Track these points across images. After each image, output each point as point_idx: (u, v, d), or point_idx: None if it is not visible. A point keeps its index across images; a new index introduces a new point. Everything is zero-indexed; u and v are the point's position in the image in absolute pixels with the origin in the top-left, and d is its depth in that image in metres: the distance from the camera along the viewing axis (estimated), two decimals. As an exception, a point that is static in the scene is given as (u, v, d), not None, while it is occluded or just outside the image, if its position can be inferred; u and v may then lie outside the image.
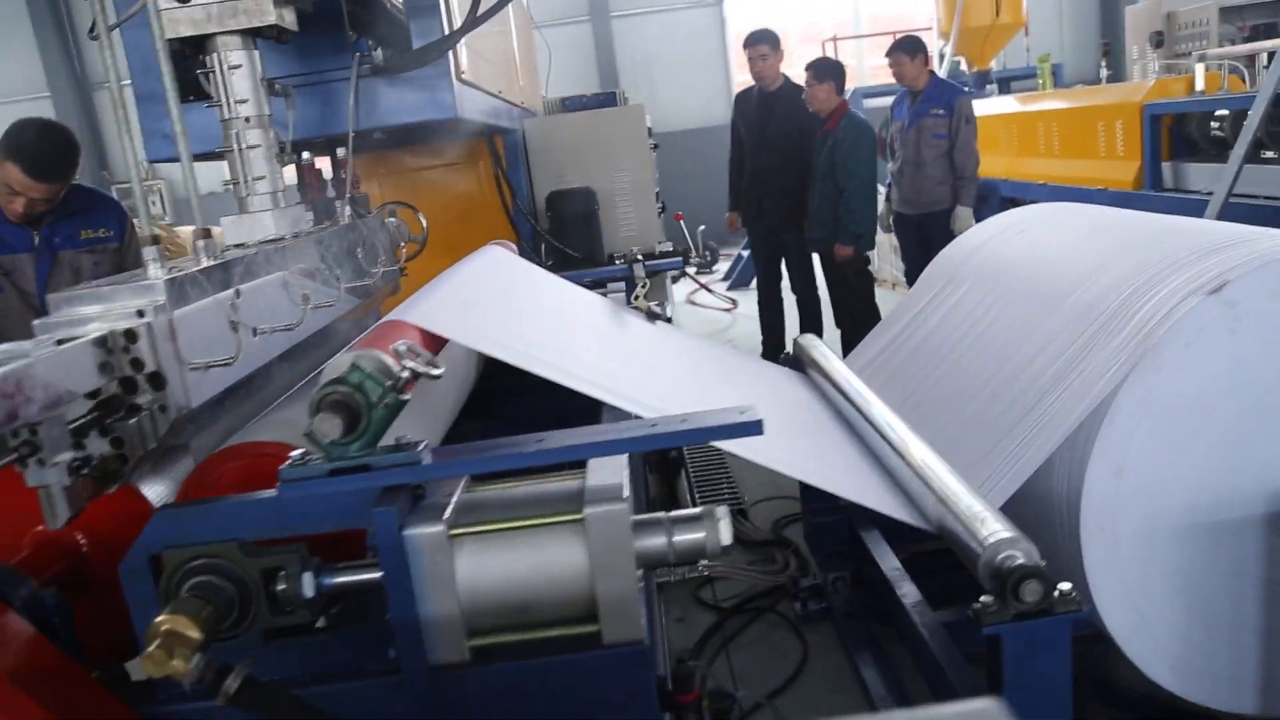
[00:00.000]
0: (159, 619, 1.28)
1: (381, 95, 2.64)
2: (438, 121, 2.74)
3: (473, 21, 2.54)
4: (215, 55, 2.05)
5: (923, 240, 5.49)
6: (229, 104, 2.09)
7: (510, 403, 2.74)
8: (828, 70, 5.36)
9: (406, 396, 1.37)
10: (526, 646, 1.36)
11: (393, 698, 1.35)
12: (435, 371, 1.38)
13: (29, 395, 1.22)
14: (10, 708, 1.32)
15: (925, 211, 5.61)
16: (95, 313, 1.50)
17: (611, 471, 1.38)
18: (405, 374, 1.34)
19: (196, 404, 1.59)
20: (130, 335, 1.44)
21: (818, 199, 5.35)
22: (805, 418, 2.32)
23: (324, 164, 3.01)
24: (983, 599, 1.54)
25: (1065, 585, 1.54)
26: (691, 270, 10.05)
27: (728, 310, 8.67)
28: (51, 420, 1.30)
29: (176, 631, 1.27)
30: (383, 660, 1.37)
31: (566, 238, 4.22)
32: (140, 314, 1.47)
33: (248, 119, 2.11)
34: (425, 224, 3.54)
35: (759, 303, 6.26)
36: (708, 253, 11.17)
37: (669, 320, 3.06)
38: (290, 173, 2.88)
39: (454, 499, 1.38)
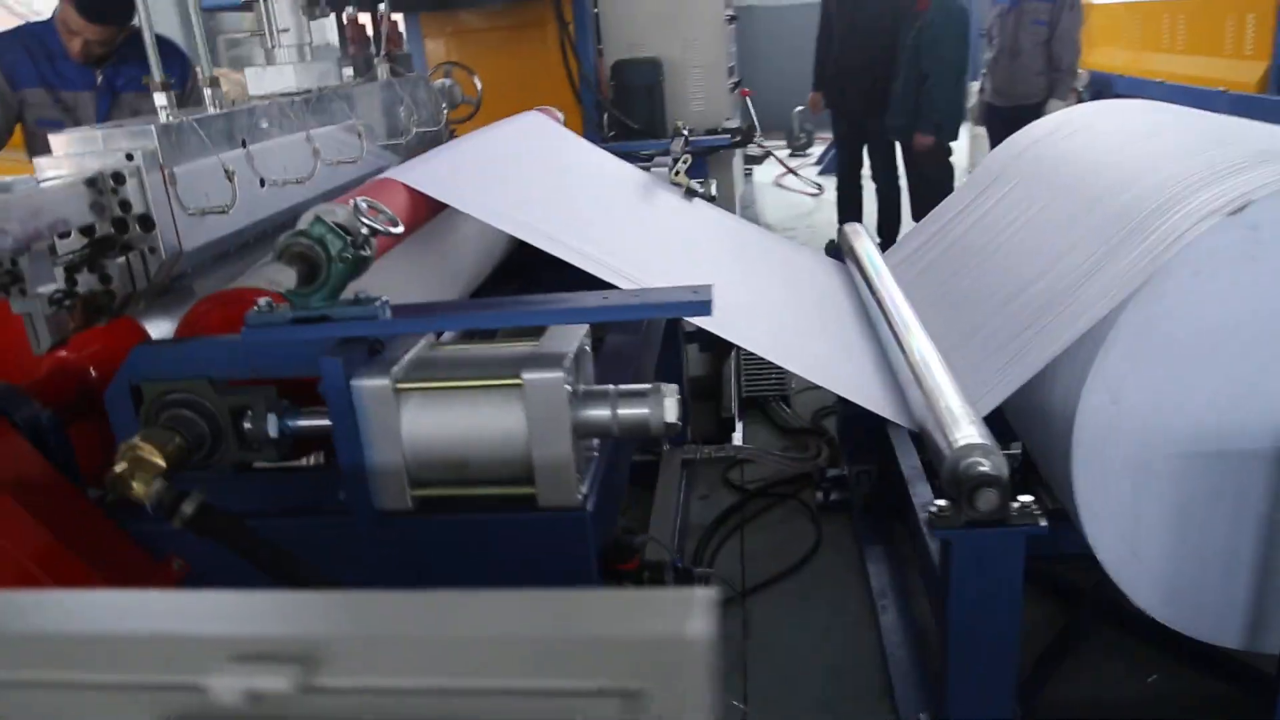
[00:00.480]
0: (126, 443, 1.37)
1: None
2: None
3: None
4: (240, -100, 2.03)
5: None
6: (254, -48, 2.09)
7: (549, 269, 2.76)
8: (924, -55, 5.02)
9: (367, 252, 1.39)
10: (469, 501, 1.41)
11: (343, 537, 1.43)
12: (395, 229, 1.39)
13: (3, 229, 1.29)
14: (5, 517, 1.44)
15: (1017, 104, 5.30)
16: (93, 153, 1.55)
17: (563, 340, 1.39)
18: (364, 230, 1.37)
19: (191, 248, 1.65)
20: (118, 177, 1.50)
21: (901, 85, 5.10)
22: (822, 307, 2.27)
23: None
24: (938, 502, 1.51)
25: (1026, 497, 1.50)
26: (784, 153, 9.80)
27: (813, 195, 8.44)
28: (34, 253, 1.37)
29: (141, 457, 1.36)
30: (336, 502, 1.44)
31: (629, 109, 4.15)
32: (129, 157, 1.52)
33: (273, -32, 2.11)
34: (480, 86, 3.52)
35: (837, 190, 6.08)
36: (803, 134, 10.84)
37: (713, 199, 3.00)
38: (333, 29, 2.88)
39: (408, 355, 1.42)
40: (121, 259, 1.52)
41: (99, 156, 1.53)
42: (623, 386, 1.41)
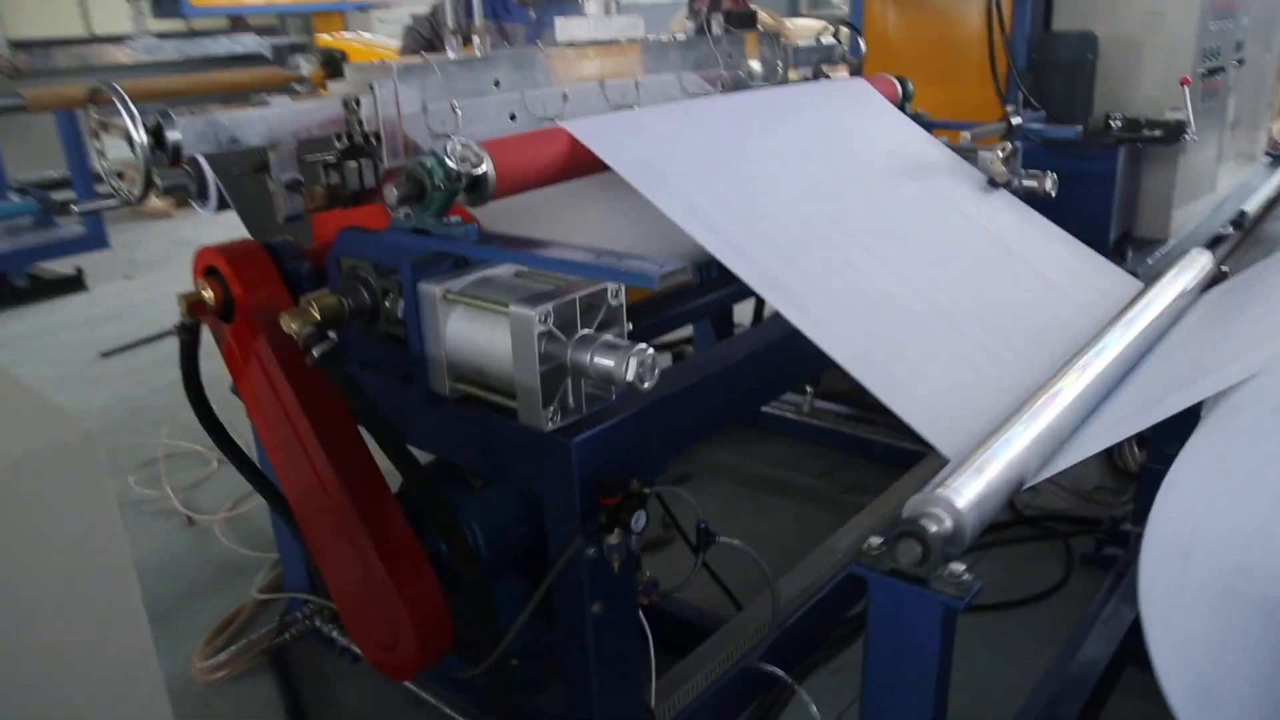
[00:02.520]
0: (304, 296, 1.87)
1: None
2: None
3: None
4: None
5: None
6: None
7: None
8: None
9: (460, 184, 1.70)
10: (491, 404, 1.69)
11: (414, 403, 1.80)
12: (477, 170, 1.68)
13: (251, 135, 1.83)
14: (263, 337, 2.03)
15: None
16: (363, 79, 2.05)
17: (577, 287, 1.58)
18: (452, 166, 1.67)
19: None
20: (352, 102, 1.98)
21: None
22: (1015, 323, 2.04)
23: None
24: (873, 539, 1.40)
25: (957, 566, 1.32)
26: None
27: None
28: (280, 151, 1.91)
29: (305, 308, 1.85)
30: (419, 378, 1.81)
31: (1047, 90, 3.81)
32: (370, 87, 1.99)
33: (591, -67, 2.45)
34: (864, 47, 3.56)
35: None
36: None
37: (1048, 196, 2.75)
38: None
39: (477, 274, 1.72)
40: (354, 163, 2.01)
41: (363, 85, 2.03)
42: (612, 338, 1.56)
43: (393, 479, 1.89)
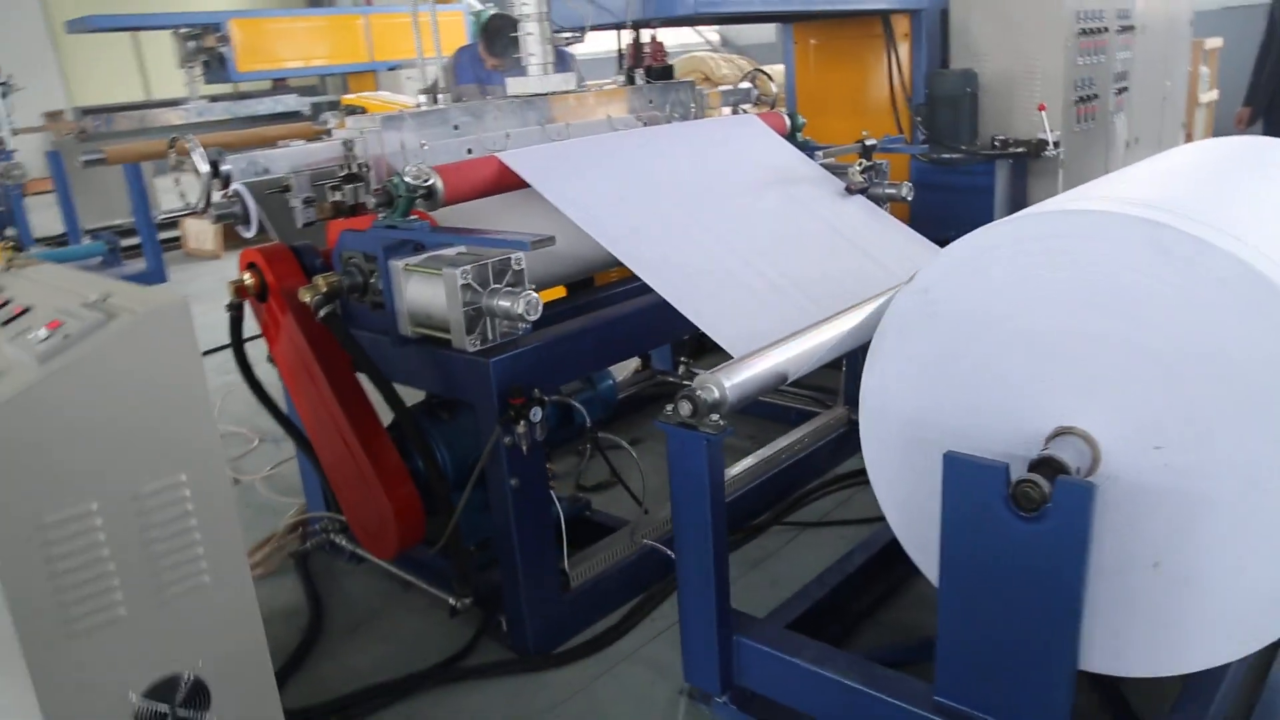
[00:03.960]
0: (316, 276, 2.68)
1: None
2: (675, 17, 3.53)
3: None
4: (510, -28, 3.23)
5: None
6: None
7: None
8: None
9: (417, 196, 2.51)
10: (435, 340, 2.48)
11: (390, 345, 2.60)
12: (428, 183, 2.49)
13: (278, 165, 2.67)
14: (287, 310, 2.85)
15: None
16: (360, 129, 2.88)
17: (488, 254, 2.38)
18: (408, 183, 2.49)
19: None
20: (349, 144, 2.81)
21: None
22: (832, 286, 2.78)
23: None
24: (667, 407, 2.13)
25: (714, 416, 2.04)
26: None
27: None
28: (298, 177, 2.74)
29: (316, 284, 2.66)
30: (393, 328, 2.62)
31: (936, 119, 4.57)
32: (361, 132, 2.82)
33: (526, 14, 3.29)
34: (775, 89, 4.37)
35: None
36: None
37: (904, 199, 3.52)
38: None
39: (432, 253, 2.52)
40: (350, 186, 2.84)
41: (356, 132, 2.86)
42: (511, 289, 2.36)
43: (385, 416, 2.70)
